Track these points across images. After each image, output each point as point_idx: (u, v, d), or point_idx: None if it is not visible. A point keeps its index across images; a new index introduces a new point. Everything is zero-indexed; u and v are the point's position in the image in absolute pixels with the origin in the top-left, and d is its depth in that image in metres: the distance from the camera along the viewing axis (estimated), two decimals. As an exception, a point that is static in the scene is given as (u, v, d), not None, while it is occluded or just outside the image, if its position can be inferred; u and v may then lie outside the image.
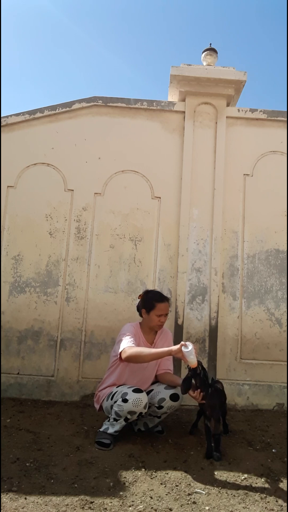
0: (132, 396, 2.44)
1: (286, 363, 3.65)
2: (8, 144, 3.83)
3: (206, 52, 4.09)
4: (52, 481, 2.05)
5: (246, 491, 2.05)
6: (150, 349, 2.52)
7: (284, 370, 3.64)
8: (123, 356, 2.49)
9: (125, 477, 2.13)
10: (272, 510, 1.90)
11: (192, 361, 2.34)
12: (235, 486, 2.10)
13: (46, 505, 1.84)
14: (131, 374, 2.71)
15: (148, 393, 2.60)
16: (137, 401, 2.43)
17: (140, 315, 2.85)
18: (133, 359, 2.47)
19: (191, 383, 2.45)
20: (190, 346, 2.34)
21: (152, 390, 2.67)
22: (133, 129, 3.93)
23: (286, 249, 3.83)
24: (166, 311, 2.77)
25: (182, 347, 2.34)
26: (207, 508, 1.89)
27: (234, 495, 2.01)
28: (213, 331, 3.63)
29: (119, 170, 3.87)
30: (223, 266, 3.78)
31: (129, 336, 2.61)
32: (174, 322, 3.64)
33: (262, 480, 2.18)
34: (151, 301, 2.76)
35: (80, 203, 3.80)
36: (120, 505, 1.87)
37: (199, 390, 2.45)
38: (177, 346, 2.37)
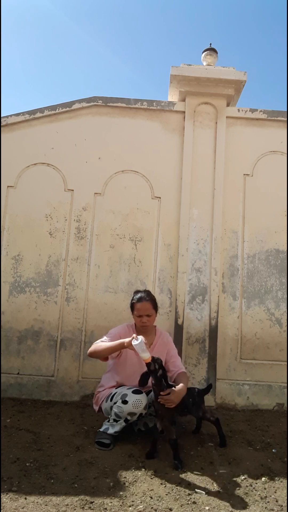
0: (132, 398, 2.44)
1: (286, 363, 3.65)
2: (8, 144, 3.83)
3: (206, 52, 4.09)
4: (52, 481, 2.05)
5: (246, 491, 2.05)
6: (107, 343, 2.57)
7: (284, 370, 3.64)
8: (88, 353, 2.64)
9: (125, 477, 2.13)
10: (272, 510, 1.90)
11: (144, 356, 2.28)
12: (235, 486, 2.10)
13: (46, 505, 1.84)
14: (130, 375, 2.70)
15: (147, 393, 2.59)
16: (137, 403, 2.44)
17: None
18: (93, 355, 2.61)
19: (148, 380, 2.35)
20: (139, 339, 2.29)
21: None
22: (133, 129, 3.93)
23: (286, 249, 3.83)
24: (146, 312, 2.67)
25: (132, 340, 2.31)
26: (207, 508, 1.89)
27: (234, 495, 2.01)
28: (213, 331, 3.63)
29: (119, 170, 3.87)
30: (223, 266, 3.78)
31: (107, 336, 2.69)
32: (174, 322, 3.64)
33: (262, 480, 2.18)
34: (131, 302, 2.78)
35: (80, 203, 3.80)
36: (120, 505, 1.87)
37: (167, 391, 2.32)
38: (129, 339, 2.36)
